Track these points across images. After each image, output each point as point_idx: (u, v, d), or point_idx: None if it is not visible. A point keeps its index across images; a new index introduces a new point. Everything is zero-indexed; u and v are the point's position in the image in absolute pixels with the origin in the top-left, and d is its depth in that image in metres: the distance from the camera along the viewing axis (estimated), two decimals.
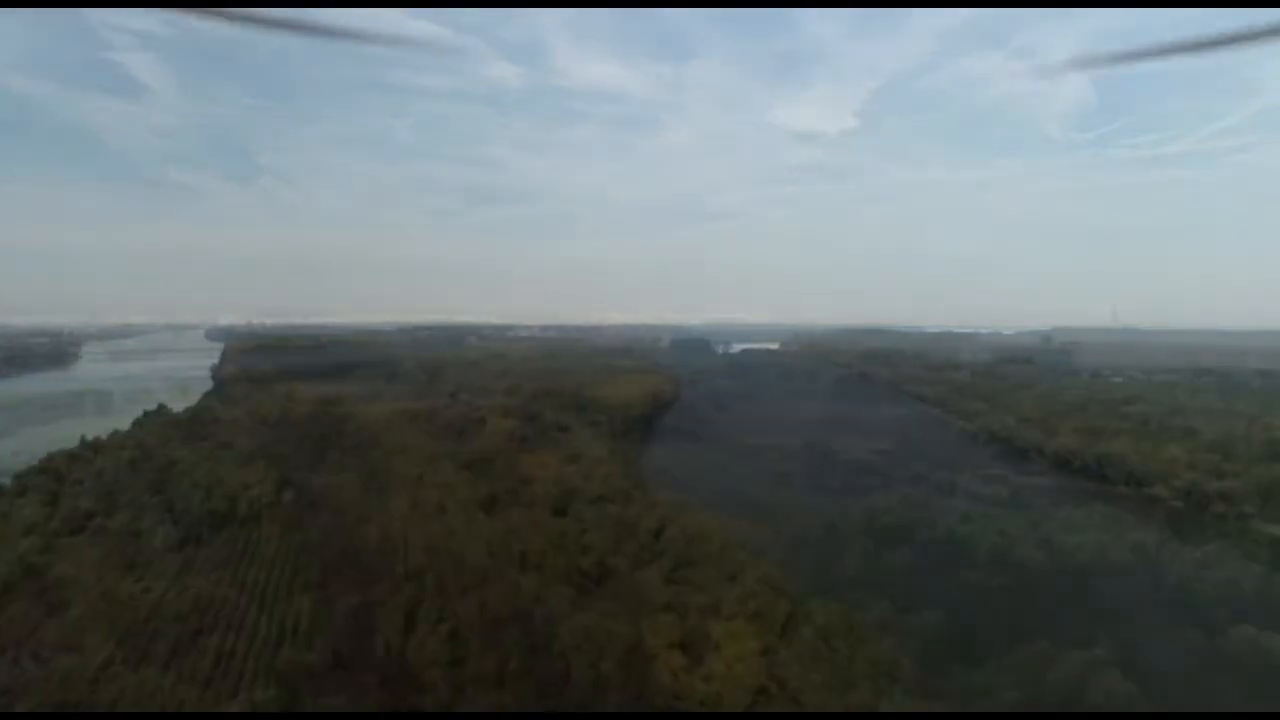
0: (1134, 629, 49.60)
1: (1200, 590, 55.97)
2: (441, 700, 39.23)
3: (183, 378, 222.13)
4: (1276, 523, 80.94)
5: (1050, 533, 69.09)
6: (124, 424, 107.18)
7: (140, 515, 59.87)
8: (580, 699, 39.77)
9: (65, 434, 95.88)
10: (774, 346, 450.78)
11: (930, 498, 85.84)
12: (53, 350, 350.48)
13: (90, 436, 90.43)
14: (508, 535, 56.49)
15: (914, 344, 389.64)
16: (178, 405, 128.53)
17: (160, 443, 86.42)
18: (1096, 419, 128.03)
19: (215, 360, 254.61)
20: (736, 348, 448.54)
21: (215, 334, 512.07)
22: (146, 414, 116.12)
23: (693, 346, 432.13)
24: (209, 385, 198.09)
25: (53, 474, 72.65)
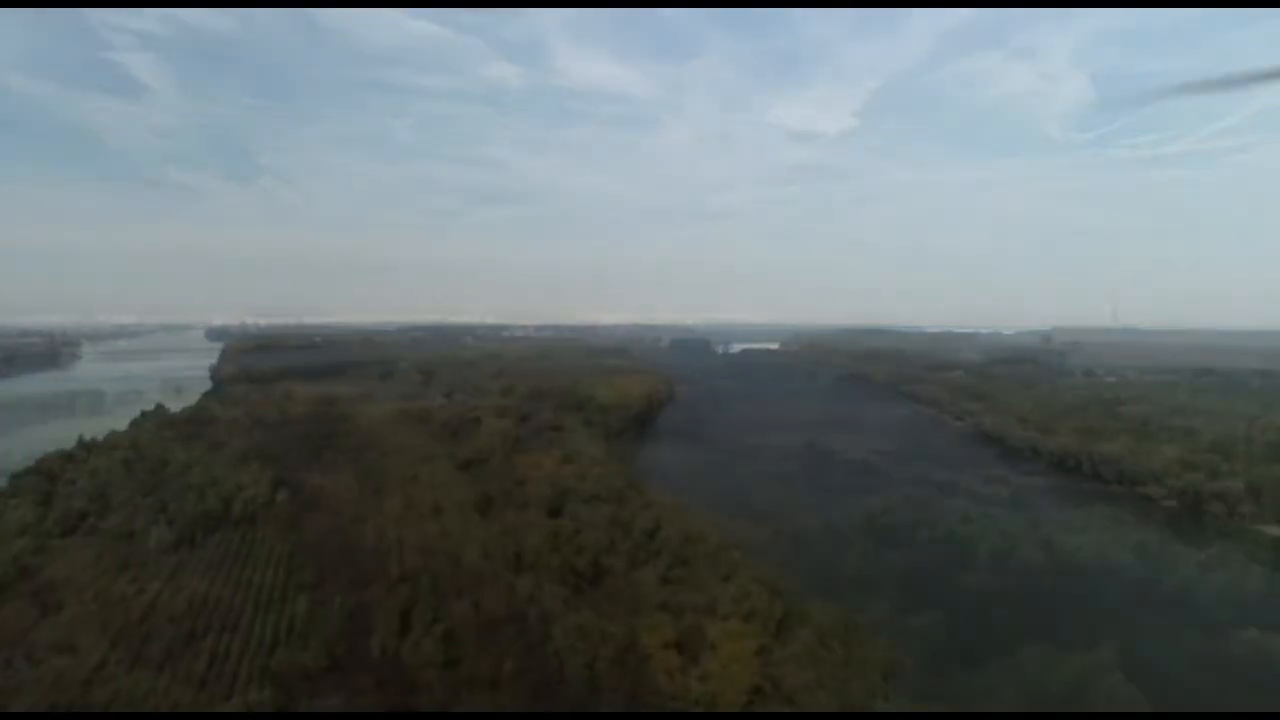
0: (1135, 631, 49.40)
1: (1202, 593, 55.85)
2: (437, 701, 39.08)
3: (182, 377, 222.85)
4: (1274, 523, 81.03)
5: (1051, 533, 69.00)
6: (122, 424, 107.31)
7: (134, 516, 59.62)
8: (575, 699, 39.63)
9: (64, 434, 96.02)
10: (774, 346, 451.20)
11: (930, 498, 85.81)
12: (50, 350, 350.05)
13: (88, 437, 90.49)
14: (503, 535, 56.34)
15: (914, 344, 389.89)
16: (176, 405, 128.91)
17: (157, 443, 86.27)
18: (1095, 419, 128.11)
19: (214, 360, 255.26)
20: (736, 347, 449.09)
21: (215, 334, 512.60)
22: (144, 414, 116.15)
23: (693, 346, 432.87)
24: (208, 385, 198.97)
25: (46, 474, 72.41)
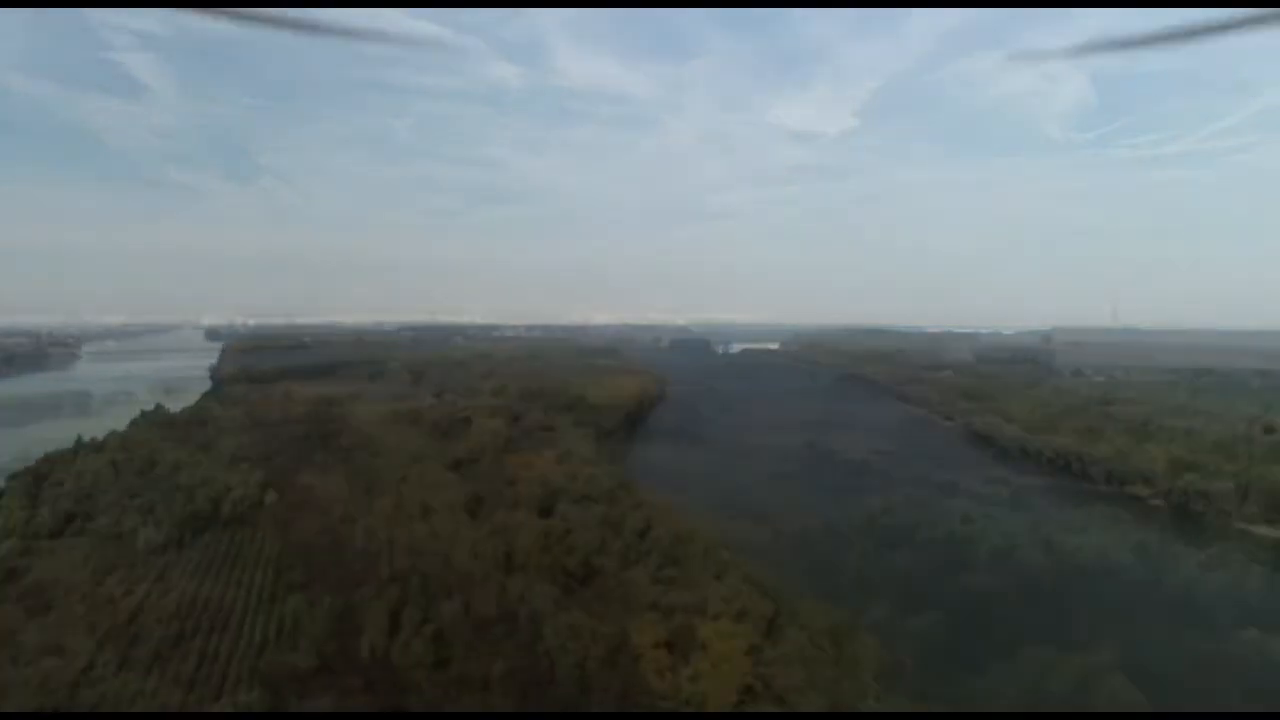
0: (1137, 632, 49.13)
1: (1203, 593, 55.64)
2: (427, 701, 38.91)
3: (182, 377, 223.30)
4: (1268, 523, 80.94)
5: (1051, 533, 68.83)
6: (121, 424, 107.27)
7: (127, 516, 59.52)
8: (566, 699, 39.46)
9: (63, 434, 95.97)
10: (774, 346, 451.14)
11: (930, 498, 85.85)
12: (37, 350, 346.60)
13: (87, 438, 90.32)
14: (493, 536, 56.15)
15: (914, 344, 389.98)
16: (176, 405, 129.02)
17: (155, 443, 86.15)
18: (1095, 420, 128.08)
19: (214, 360, 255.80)
20: (736, 347, 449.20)
21: (214, 334, 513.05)
22: (144, 414, 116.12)
23: (692, 346, 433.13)
24: (207, 385, 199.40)
25: (43, 475, 72.25)
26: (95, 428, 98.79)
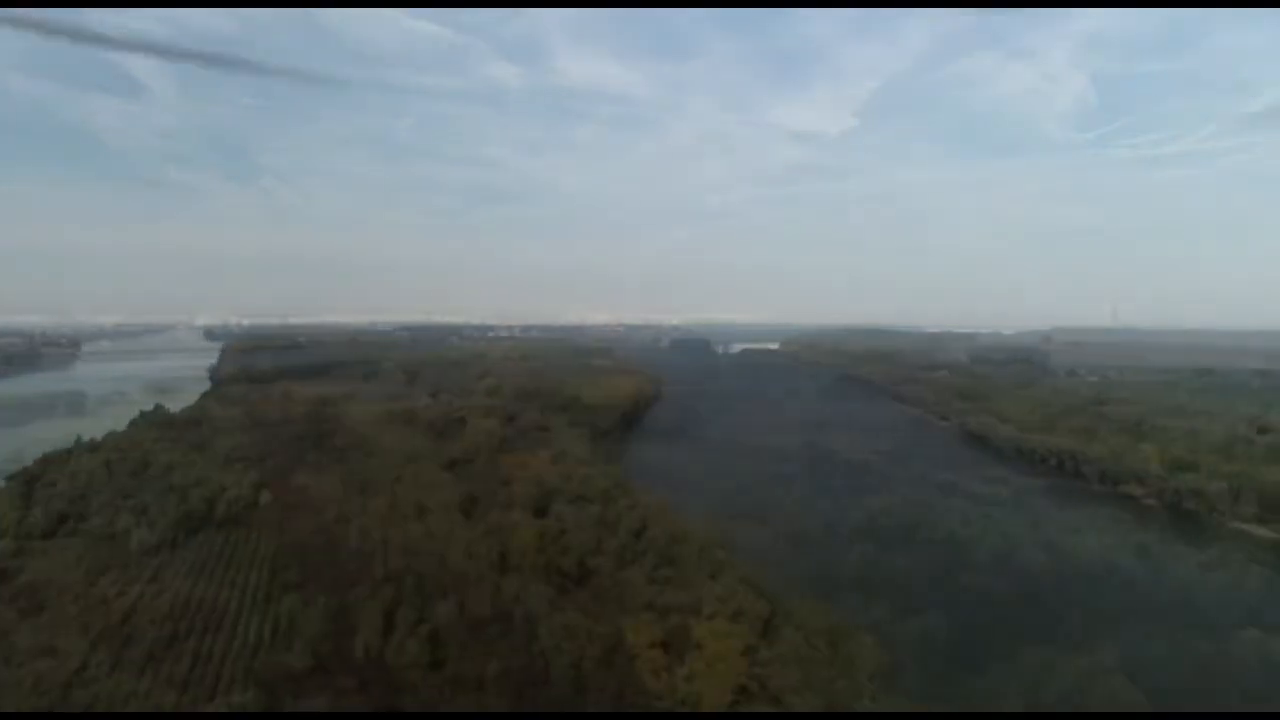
0: (1137, 633, 48.96)
1: (1204, 593, 55.46)
2: (422, 701, 38.74)
3: (181, 377, 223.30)
4: (1261, 523, 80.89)
5: (1051, 533, 68.76)
6: (121, 424, 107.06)
7: (120, 516, 59.33)
8: (561, 699, 39.30)
9: (60, 434, 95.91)
10: (774, 346, 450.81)
11: (929, 498, 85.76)
12: (30, 351, 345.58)
13: (85, 438, 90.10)
14: (488, 536, 55.92)
15: (913, 344, 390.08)
16: (175, 405, 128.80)
17: (150, 444, 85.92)
18: (1089, 420, 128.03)
19: (213, 360, 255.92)
20: (736, 347, 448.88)
21: (212, 334, 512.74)
22: (143, 414, 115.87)
23: (692, 347, 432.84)
24: (206, 385, 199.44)
25: (36, 475, 72.04)
26: (94, 428, 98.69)
